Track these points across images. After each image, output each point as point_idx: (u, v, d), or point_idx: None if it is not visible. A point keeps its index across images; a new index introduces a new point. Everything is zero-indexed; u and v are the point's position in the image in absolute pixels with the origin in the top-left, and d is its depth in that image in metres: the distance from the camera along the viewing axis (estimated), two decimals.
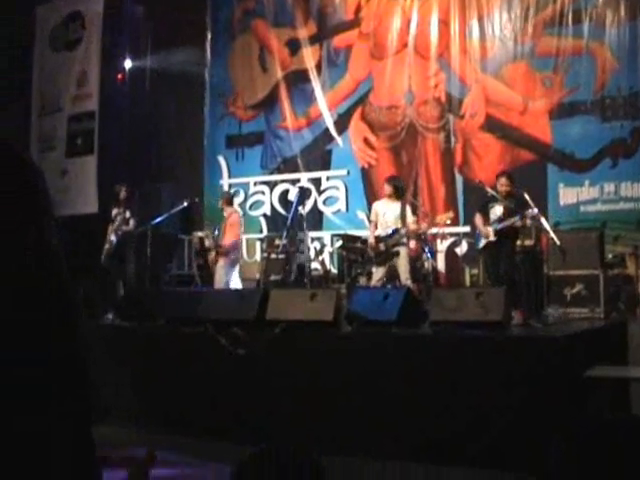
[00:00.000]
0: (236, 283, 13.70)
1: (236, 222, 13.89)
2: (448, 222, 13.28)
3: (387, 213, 12.44)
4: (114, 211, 14.22)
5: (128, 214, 13.91)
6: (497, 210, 11.32)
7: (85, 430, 1.88)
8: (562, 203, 14.05)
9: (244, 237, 16.97)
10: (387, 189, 12.63)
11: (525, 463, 7.66)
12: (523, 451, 7.77)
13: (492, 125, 14.88)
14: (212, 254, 13.74)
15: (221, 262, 13.63)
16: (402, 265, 12.16)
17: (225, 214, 14.00)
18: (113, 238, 13.95)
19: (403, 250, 12.20)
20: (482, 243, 11.39)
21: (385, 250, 12.21)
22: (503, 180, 11.61)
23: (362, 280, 12.60)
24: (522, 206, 11.09)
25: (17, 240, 1.51)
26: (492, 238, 11.20)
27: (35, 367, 1.64)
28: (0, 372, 1.55)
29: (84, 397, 1.83)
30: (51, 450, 1.80)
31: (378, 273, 12.24)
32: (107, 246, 14.01)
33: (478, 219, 11.55)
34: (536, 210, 11.10)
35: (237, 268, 13.85)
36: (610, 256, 12.80)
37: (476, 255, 12.83)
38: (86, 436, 1.91)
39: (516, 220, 10.99)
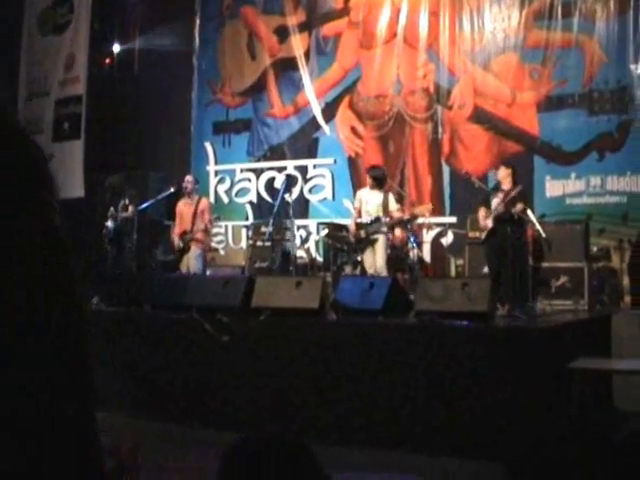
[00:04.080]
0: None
1: (207, 208, 13.76)
2: (426, 214, 13.31)
3: (370, 201, 12.53)
4: (112, 198, 14.23)
5: (127, 201, 13.87)
6: (497, 200, 11.35)
7: (90, 410, 1.84)
8: (548, 195, 14.08)
9: (230, 224, 17.00)
10: (368, 179, 12.77)
11: (508, 453, 7.73)
12: (506, 441, 7.83)
13: (480, 116, 14.90)
14: (187, 240, 13.45)
15: (197, 250, 13.47)
16: (379, 253, 12.22)
17: (192, 200, 13.75)
18: (110, 224, 13.92)
19: (382, 238, 12.27)
20: (483, 235, 11.44)
21: (365, 237, 12.28)
22: (503, 170, 11.69)
23: (348, 269, 12.62)
24: (520, 193, 11.21)
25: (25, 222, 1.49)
26: (490, 225, 11.24)
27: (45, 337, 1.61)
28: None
29: (88, 375, 1.80)
30: (55, 432, 1.77)
31: (367, 259, 12.29)
32: (104, 232, 14.02)
33: (481, 212, 11.58)
34: (519, 188, 11.21)
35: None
36: (595, 249, 12.86)
37: (462, 246, 12.93)
38: (91, 417, 1.87)
39: (509, 205, 11.06)
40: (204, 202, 13.76)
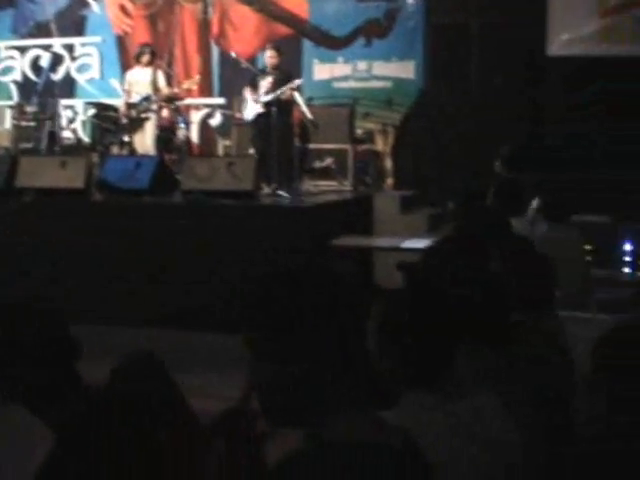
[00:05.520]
0: None
1: None
2: (194, 87, 13.50)
3: (139, 81, 12.46)
4: None
5: None
6: (265, 82, 11.43)
7: None
8: (316, 78, 14.25)
9: None
10: (137, 57, 12.69)
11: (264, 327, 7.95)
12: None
13: None
14: None
15: None
16: (148, 133, 12.17)
17: None
18: None
19: (151, 117, 12.22)
20: (251, 115, 11.51)
21: (135, 117, 12.20)
22: (271, 52, 11.76)
23: (115, 149, 12.47)
24: (288, 78, 11.35)
25: None
26: (260, 110, 11.33)
27: None
28: None
29: None
30: None
31: (136, 140, 12.18)
32: None
33: (247, 92, 11.64)
34: (299, 81, 11.42)
35: None
36: (360, 132, 13.18)
37: (230, 127, 13.03)
38: None
39: (283, 91, 11.19)
40: None
